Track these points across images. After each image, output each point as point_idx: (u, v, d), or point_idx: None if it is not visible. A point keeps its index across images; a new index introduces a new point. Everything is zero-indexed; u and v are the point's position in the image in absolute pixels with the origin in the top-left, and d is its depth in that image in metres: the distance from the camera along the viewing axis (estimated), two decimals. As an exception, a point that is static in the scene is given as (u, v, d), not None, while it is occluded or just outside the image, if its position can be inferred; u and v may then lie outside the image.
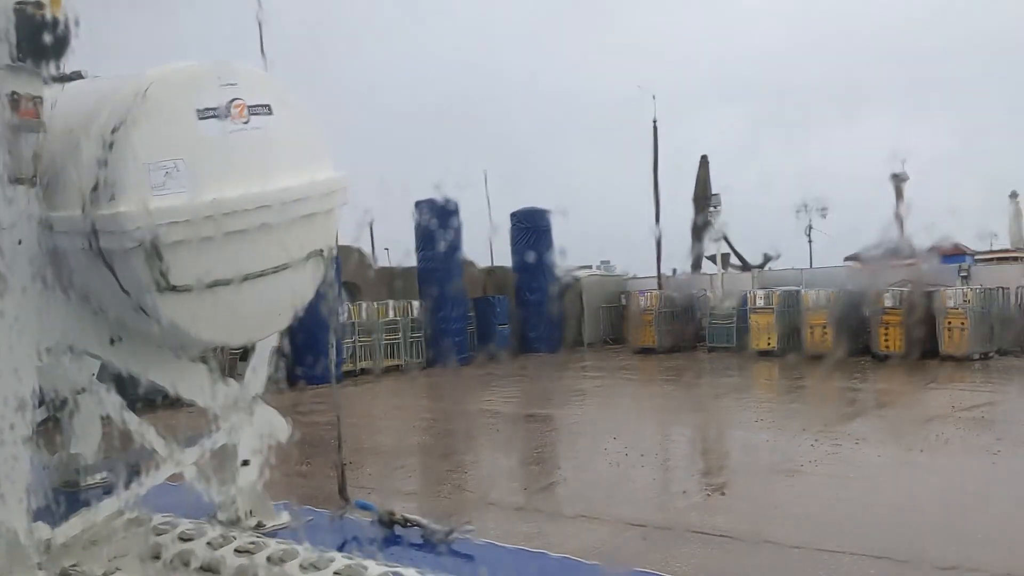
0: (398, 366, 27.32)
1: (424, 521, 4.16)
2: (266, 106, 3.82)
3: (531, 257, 31.20)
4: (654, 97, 36.77)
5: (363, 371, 26.19)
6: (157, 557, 3.58)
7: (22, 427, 3.38)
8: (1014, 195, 43.14)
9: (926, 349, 24.96)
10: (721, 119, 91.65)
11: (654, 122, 36.79)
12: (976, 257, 33.81)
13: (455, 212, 27.82)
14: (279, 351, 4.29)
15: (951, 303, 25.21)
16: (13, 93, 3.40)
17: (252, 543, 3.51)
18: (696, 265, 36.94)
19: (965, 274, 28.66)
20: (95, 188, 3.43)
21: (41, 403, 4.17)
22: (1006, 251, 39.37)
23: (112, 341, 3.81)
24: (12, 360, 3.37)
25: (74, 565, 3.58)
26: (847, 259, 32.35)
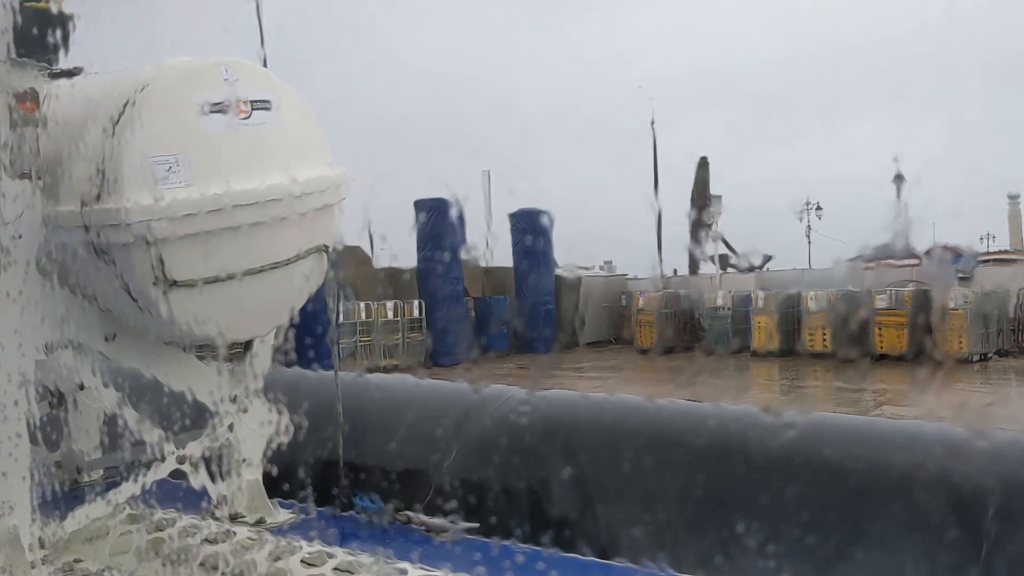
0: (396, 366, 27.27)
1: (425, 518, 4.16)
2: (266, 102, 3.82)
3: (530, 257, 31.21)
4: (651, 98, 36.88)
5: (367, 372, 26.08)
6: (157, 553, 3.58)
7: (25, 404, 3.38)
8: (1014, 197, 43.18)
9: (924, 349, 24.96)
10: (711, 122, 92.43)
11: (652, 123, 36.86)
12: (977, 258, 33.79)
13: (456, 211, 27.86)
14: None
15: (951, 304, 25.20)
16: (15, 88, 3.40)
17: (252, 539, 3.51)
18: (694, 266, 37.04)
19: (967, 275, 28.63)
20: (95, 183, 3.43)
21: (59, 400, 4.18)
22: (1005, 252, 39.38)
23: (108, 337, 3.80)
24: (15, 338, 3.37)
25: (76, 560, 3.58)
26: (845, 263, 32.36)
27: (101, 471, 4.68)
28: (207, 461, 4.07)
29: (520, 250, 31.78)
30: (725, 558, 3.65)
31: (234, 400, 4.09)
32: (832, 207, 45.50)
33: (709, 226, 34.99)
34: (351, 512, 4.28)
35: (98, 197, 3.40)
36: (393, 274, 29.36)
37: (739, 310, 29.67)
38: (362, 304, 26.98)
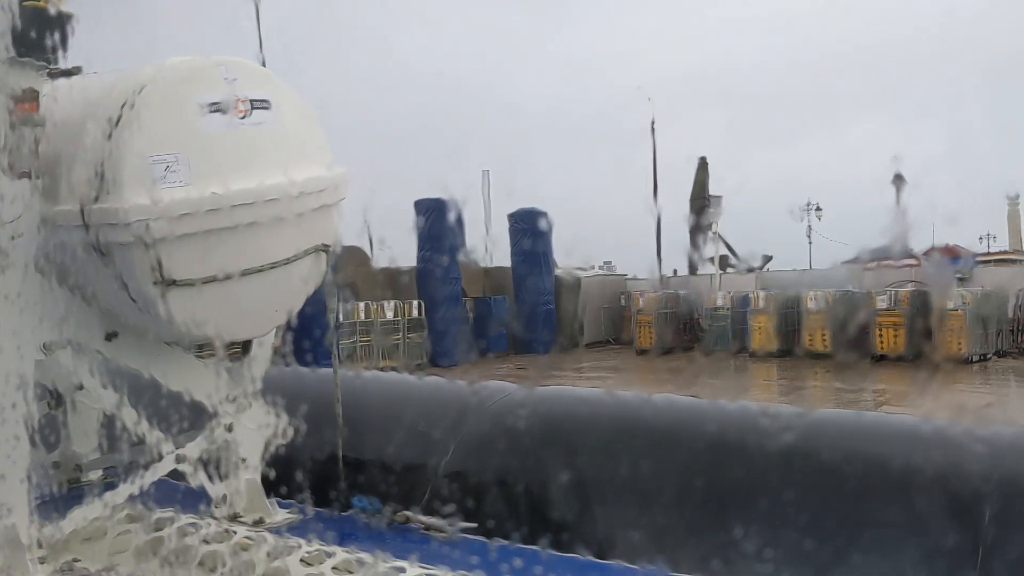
0: (395, 367, 27.19)
1: (423, 518, 4.16)
2: (265, 101, 3.82)
3: (530, 258, 31.15)
4: (650, 99, 37.05)
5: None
6: (156, 552, 3.58)
7: (24, 406, 3.38)
8: (1014, 198, 43.20)
9: (923, 350, 24.92)
10: (711, 122, 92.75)
11: (652, 126, 36.94)
12: (976, 259, 33.78)
13: (456, 211, 27.82)
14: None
15: (950, 305, 25.17)
16: (14, 89, 3.40)
17: (251, 539, 3.50)
18: (694, 267, 37.05)
19: (965, 276, 28.59)
20: (94, 183, 3.43)
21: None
22: (1004, 253, 39.39)
23: (107, 337, 3.80)
24: (14, 339, 3.37)
25: (75, 560, 3.58)
26: (844, 264, 32.36)
27: (100, 471, 4.68)
28: (205, 462, 4.06)
29: (519, 250, 31.75)
30: (721, 555, 3.65)
31: (232, 400, 4.09)
32: (832, 208, 45.47)
33: (709, 227, 34.99)
34: (350, 512, 4.28)
35: (97, 197, 3.40)
36: (392, 274, 29.30)
37: (738, 311, 29.63)
38: (361, 305, 26.94)
